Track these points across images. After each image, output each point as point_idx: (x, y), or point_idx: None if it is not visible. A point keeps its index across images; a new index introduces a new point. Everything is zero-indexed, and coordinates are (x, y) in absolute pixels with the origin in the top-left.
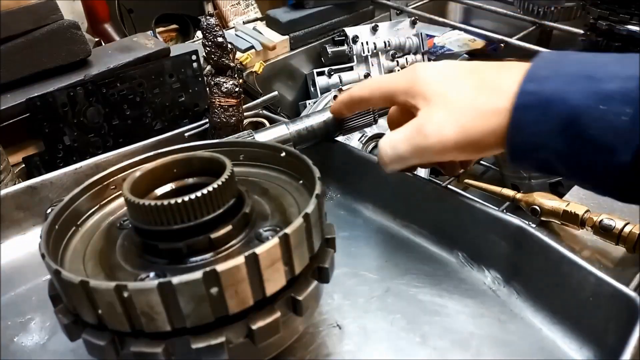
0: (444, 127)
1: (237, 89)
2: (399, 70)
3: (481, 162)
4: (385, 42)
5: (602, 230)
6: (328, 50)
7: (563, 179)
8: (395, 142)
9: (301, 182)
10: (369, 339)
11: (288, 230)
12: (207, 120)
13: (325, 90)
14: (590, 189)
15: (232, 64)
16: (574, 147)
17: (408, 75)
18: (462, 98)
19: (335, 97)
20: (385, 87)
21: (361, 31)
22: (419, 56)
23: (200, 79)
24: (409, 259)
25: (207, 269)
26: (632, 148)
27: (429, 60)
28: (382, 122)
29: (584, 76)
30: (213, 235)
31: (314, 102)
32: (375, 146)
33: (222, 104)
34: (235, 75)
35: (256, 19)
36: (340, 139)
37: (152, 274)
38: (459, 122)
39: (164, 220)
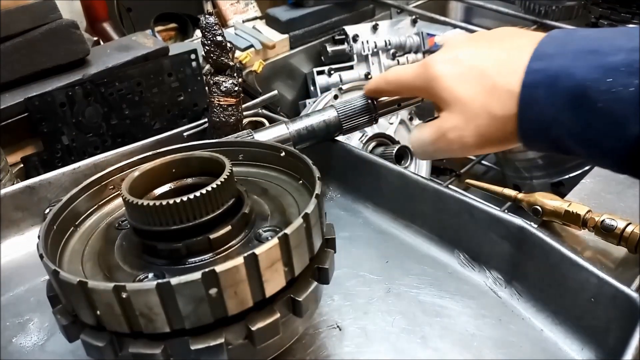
0: (464, 135)
1: (236, 88)
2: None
3: (482, 162)
4: (385, 41)
5: (604, 231)
6: (328, 49)
7: (565, 179)
8: (422, 143)
9: (301, 182)
10: (369, 340)
11: (288, 230)
12: (206, 119)
13: (325, 89)
14: (601, 164)
15: (231, 63)
16: (584, 121)
17: (422, 73)
18: (476, 102)
19: (335, 96)
20: (405, 84)
21: (361, 30)
22: (419, 55)
23: (199, 78)
24: (410, 259)
25: (206, 269)
26: None
27: None
28: (383, 121)
29: (589, 51)
30: (212, 236)
31: (314, 101)
32: (376, 146)
33: (221, 103)
34: (235, 75)
35: (256, 18)
36: (340, 138)
37: (150, 275)
38: (477, 129)
39: (163, 221)
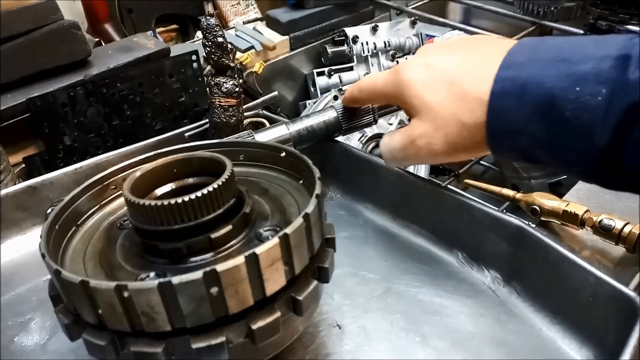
0: (433, 143)
1: (237, 89)
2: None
3: (481, 162)
4: (385, 42)
5: (602, 230)
6: (328, 50)
7: (563, 179)
8: (392, 149)
9: (301, 182)
10: (368, 339)
11: (288, 230)
12: (207, 120)
13: (325, 90)
14: (570, 174)
15: (232, 64)
16: (552, 130)
17: (394, 80)
18: (445, 110)
19: (335, 97)
20: (377, 92)
21: (361, 31)
22: None
23: (200, 79)
24: (409, 259)
25: (207, 268)
26: (609, 129)
27: None
28: (382, 122)
29: (559, 59)
30: (213, 235)
31: (314, 102)
32: (375, 146)
33: (222, 104)
34: (235, 76)
35: (256, 19)
36: (340, 139)
37: (152, 274)
38: (446, 137)
39: (164, 220)
